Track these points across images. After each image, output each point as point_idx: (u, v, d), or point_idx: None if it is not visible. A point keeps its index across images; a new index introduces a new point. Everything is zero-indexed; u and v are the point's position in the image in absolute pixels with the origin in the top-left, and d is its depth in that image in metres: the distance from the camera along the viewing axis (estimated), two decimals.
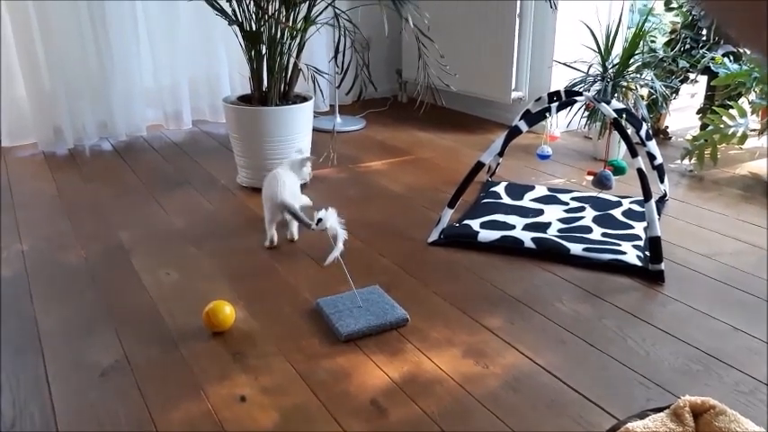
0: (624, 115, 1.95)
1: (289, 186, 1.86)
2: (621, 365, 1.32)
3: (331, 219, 1.50)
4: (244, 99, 2.37)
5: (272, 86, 2.27)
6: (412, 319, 1.48)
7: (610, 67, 2.54)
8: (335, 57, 2.22)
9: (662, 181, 2.21)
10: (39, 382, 1.28)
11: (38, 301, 1.59)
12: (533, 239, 1.84)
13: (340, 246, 1.51)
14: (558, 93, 2.08)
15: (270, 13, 2.17)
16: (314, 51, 3.32)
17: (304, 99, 2.35)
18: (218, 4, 2.21)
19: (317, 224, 1.49)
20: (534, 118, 1.93)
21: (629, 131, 1.93)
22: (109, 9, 2.86)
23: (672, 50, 2.84)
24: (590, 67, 2.61)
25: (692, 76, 2.83)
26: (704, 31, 2.84)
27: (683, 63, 2.77)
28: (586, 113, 2.60)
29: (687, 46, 2.86)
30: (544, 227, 1.96)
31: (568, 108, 2.51)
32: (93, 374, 1.30)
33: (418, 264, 1.77)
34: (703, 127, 2.70)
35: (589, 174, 2.15)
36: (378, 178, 2.48)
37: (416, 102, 2.50)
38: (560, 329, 1.45)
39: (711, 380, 1.27)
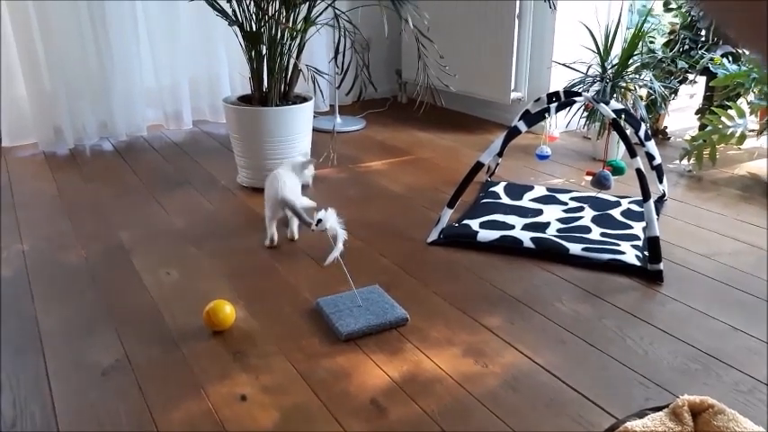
0: (623, 116, 1.95)
1: (290, 185, 1.86)
2: (620, 365, 1.32)
3: (331, 219, 1.50)
4: (244, 99, 2.37)
5: (272, 87, 2.27)
6: (412, 319, 1.48)
7: (609, 67, 2.55)
8: (335, 57, 2.23)
9: (661, 181, 2.21)
10: (39, 381, 1.28)
11: (38, 300, 1.59)
12: (532, 239, 1.85)
13: (340, 246, 1.51)
14: (557, 93, 2.08)
15: (270, 14, 2.17)
16: (314, 52, 3.33)
17: (304, 99, 2.35)
18: (218, 4, 2.22)
19: (316, 225, 1.49)
20: (533, 118, 1.93)
21: (628, 132, 1.93)
22: (109, 9, 2.86)
23: (671, 51, 2.85)
24: (589, 67, 2.62)
25: (690, 76, 2.83)
26: (703, 32, 2.85)
27: (681, 64, 2.78)
28: (585, 114, 2.60)
29: (686, 47, 2.87)
30: (543, 227, 1.96)
31: (567, 108, 2.51)
32: (93, 374, 1.30)
33: (418, 263, 1.78)
34: (702, 127, 2.71)
35: (588, 174, 2.15)
36: (377, 178, 2.48)
37: (416, 102, 2.50)
38: (559, 329, 1.45)
39: (710, 379, 1.27)
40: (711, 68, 2.65)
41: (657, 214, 2.05)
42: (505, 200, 2.19)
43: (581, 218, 2.03)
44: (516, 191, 2.26)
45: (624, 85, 2.51)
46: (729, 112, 2.42)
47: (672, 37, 2.92)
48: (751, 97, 2.51)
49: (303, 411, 1.19)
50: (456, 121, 3.40)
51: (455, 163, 2.67)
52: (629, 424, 1.03)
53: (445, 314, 1.52)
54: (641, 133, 2.10)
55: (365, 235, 1.95)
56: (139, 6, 2.97)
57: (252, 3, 2.18)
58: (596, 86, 2.53)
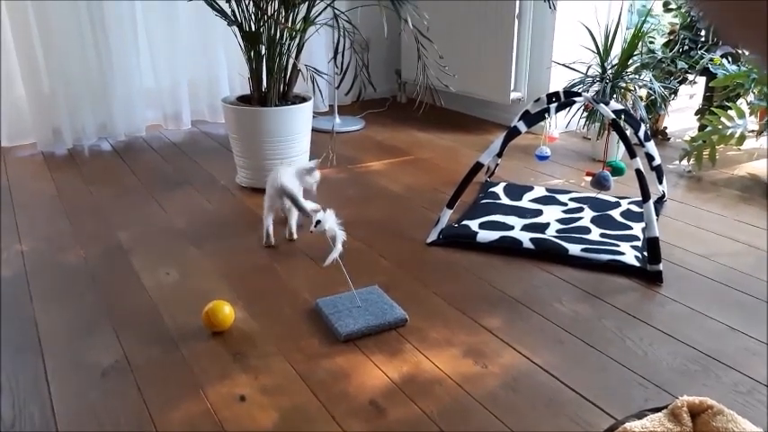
0: (623, 116, 1.95)
1: (289, 178, 1.85)
2: (620, 365, 1.32)
3: (330, 220, 1.50)
4: (243, 99, 2.37)
5: (271, 87, 2.27)
6: (411, 320, 1.48)
7: (608, 67, 2.55)
8: (335, 57, 2.23)
9: (660, 182, 2.21)
10: (38, 382, 1.28)
11: (37, 301, 1.59)
12: (532, 240, 1.85)
13: (339, 247, 1.51)
14: (556, 93, 2.08)
15: (269, 14, 2.17)
16: (313, 52, 3.32)
17: (303, 99, 2.35)
18: (217, 4, 2.22)
19: (315, 226, 1.49)
20: (533, 119, 1.93)
21: (628, 132, 1.93)
22: (108, 9, 2.86)
23: (670, 51, 2.85)
24: (589, 67, 2.61)
25: (690, 77, 2.83)
26: (703, 33, 2.85)
27: (681, 64, 2.78)
28: (585, 114, 2.60)
29: (686, 47, 2.87)
30: (543, 227, 1.96)
31: (567, 109, 2.51)
32: (92, 375, 1.30)
33: (417, 264, 1.78)
34: (702, 128, 2.71)
35: (588, 174, 2.15)
36: (377, 179, 2.48)
37: (415, 102, 2.50)
38: (559, 329, 1.45)
39: (709, 380, 1.27)
40: (711, 69, 2.65)
41: (657, 215, 2.05)
42: (505, 200, 2.19)
43: (580, 218, 2.03)
44: (516, 191, 2.26)
45: (624, 85, 2.51)
46: (729, 112, 2.42)
47: (671, 37, 2.92)
48: (751, 98, 2.51)
49: (302, 412, 1.19)
50: (455, 121, 3.39)
51: (454, 163, 2.67)
52: (628, 425, 1.03)
53: (444, 315, 1.51)
54: (641, 134, 2.10)
55: (364, 235, 1.95)
56: (138, 7, 2.97)
57: (251, 3, 2.18)
58: (596, 87, 2.53)
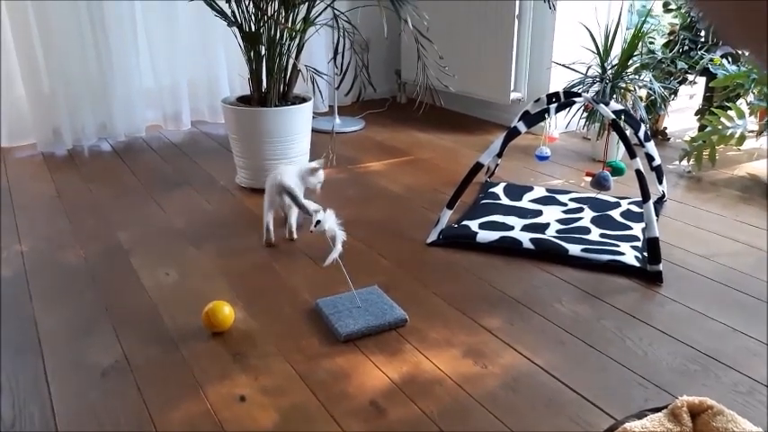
0: (623, 116, 1.95)
1: (289, 177, 1.85)
2: (620, 366, 1.32)
3: (329, 220, 1.50)
4: (243, 100, 2.37)
5: (271, 87, 2.27)
6: (411, 320, 1.48)
7: (608, 68, 2.55)
8: (335, 58, 2.23)
9: (660, 182, 2.21)
10: (38, 382, 1.28)
11: (37, 301, 1.59)
12: (532, 240, 1.84)
13: (339, 247, 1.51)
14: (556, 94, 2.08)
15: (269, 14, 2.17)
16: (313, 52, 3.33)
17: (303, 100, 2.35)
18: (217, 4, 2.22)
19: (315, 226, 1.49)
20: (533, 119, 1.93)
21: (628, 132, 1.93)
22: (108, 9, 2.86)
23: (670, 52, 2.85)
24: (589, 68, 2.62)
25: (690, 77, 2.83)
26: (702, 33, 2.85)
27: (681, 64, 2.78)
28: (585, 114, 2.60)
29: (686, 47, 2.87)
30: (543, 227, 1.96)
31: (567, 109, 2.51)
32: (92, 375, 1.30)
33: (417, 264, 1.78)
34: (702, 128, 2.71)
35: (587, 175, 2.15)
36: (377, 179, 2.48)
37: (415, 102, 2.51)
38: (559, 330, 1.45)
39: (709, 380, 1.27)
40: (711, 69, 2.65)
41: (657, 215, 2.05)
42: (505, 201, 2.19)
43: (580, 219, 2.03)
44: (516, 192, 2.26)
45: (624, 85, 2.51)
46: (729, 112, 2.42)
47: (671, 38, 2.92)
48: (750, 98, 2.51)
49: (302, 412, 1.19)
50: (455, 121, 3.40)
51: (454, 164, 2.67)
52: (627, 425, 1.03)
53: (444, 315, 1.51)
54: (641, 134, 2.10)
55: (364, 236, 1.95)
56: (138, 7, 2.97)
57: (251, 3, 2.18)
58: (596, 87, 2.53)
